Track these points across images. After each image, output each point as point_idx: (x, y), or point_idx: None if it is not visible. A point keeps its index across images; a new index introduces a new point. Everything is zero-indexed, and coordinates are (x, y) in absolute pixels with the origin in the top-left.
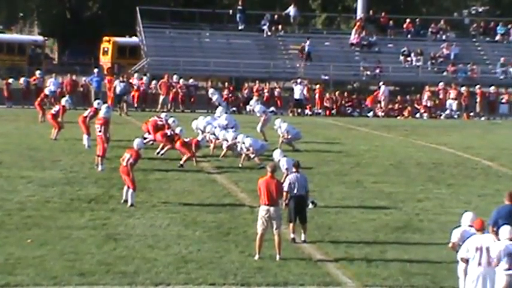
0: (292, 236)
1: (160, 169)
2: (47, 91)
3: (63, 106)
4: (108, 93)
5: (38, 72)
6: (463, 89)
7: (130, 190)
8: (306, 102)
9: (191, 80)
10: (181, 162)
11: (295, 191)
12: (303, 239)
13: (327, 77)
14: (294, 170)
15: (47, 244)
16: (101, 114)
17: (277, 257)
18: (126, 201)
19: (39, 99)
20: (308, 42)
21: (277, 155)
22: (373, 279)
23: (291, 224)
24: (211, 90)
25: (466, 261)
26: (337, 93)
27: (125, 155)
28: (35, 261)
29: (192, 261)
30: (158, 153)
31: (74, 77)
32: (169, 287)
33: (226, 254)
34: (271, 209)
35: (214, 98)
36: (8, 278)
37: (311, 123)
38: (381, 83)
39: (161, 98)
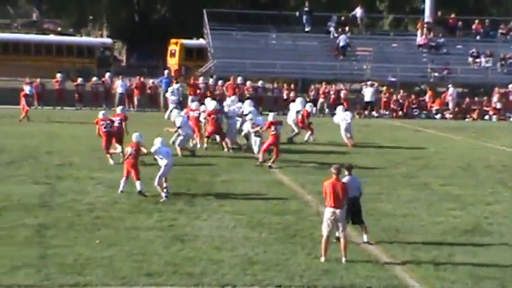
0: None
1: (227, 171)
2: (26, 90)
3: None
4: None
5: (107, 74)
6: None
7: (138, 181)
8: (376, 104)
9: (260, 82)
10: (271, 164)
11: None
12: (365, 240)
13: (393, 79)
14: (346, 172)
15: (116, 245)
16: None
17: (343, 259)
18: (122, 192)
19: (23, 100)
20: (343, 37)
21: (157, 142)
22: (441, 282)
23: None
24: (191, 98)
25: None
26: (406, 94)
27: (127, 149)
28: (103, 261)
29: (258, 263)
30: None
31: (142, 79)
32: None
33: (292, 256)
34: (337, 211)
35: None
36: (78, 278)
37: (378, 125)
38: (449, 85)
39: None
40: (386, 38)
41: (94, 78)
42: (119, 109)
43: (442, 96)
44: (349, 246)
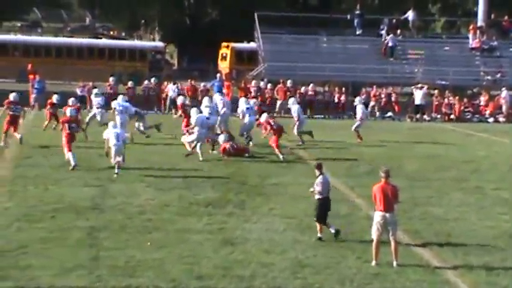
0: (319, 235)
1: (277, 174)
2: (54, 99)
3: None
4: (227, 98)
5: (152, 79)
6: None
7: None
8: (426, 107)
9: (311, 86)
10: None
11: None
12: (319, 235)
13: (443, 82)
14: (318, 172)
15: (166, 247)
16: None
17: (394, 263)
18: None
19: (48, 107)
20: (391, 37)
21: (110, 126)
22: (493, 287)
23: (320, 224)
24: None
25: None
26: (457, 98)
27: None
28: (154, 263)
29: (308, 266)
30: None
31: (193, 83)
32: None
33: (342, 260)
34: (387, 215)
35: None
36: (129, 280)
37: (429, 128)
38: (502, 88)
39: (278, 103)
40: (438, 41)
41: (145, 82)
42: (71, 100)
43: (495, 99)
44: (400, 250)
